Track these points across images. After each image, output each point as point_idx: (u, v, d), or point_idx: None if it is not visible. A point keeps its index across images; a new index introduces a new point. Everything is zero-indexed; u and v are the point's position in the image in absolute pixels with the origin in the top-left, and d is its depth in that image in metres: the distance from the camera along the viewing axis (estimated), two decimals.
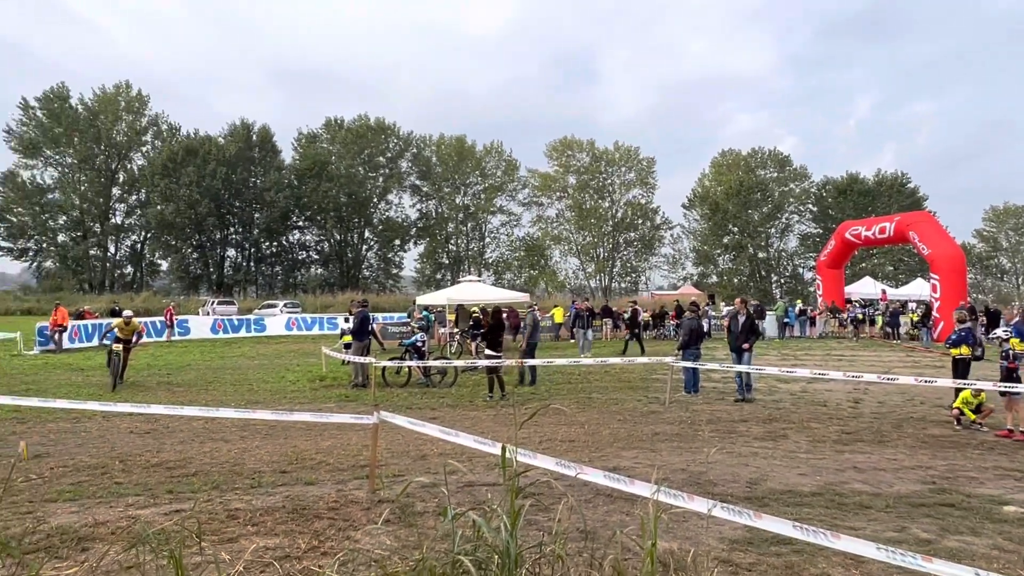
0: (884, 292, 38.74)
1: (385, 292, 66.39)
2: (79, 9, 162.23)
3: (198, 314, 40.19)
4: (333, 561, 4.65)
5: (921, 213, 38.16)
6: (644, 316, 32.08)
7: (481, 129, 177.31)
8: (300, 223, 71.25)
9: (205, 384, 16.06)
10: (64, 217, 66.65)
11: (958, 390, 11.06)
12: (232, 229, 68.93)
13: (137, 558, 4.62)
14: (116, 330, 16.02)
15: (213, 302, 46.71)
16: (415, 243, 75.02)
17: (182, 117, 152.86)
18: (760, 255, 73.60)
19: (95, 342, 26.89)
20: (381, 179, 72.17)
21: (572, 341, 24.12)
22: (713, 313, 32.40)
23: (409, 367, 15.90)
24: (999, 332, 11.39)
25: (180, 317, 32.70)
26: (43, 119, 64.71)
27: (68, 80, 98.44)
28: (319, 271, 72.83)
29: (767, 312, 32.21)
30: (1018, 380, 10.24)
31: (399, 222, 73.67)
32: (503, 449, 4.14)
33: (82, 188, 66.30)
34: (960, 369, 11.36)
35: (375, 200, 72.36)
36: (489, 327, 14.79)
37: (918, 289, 38.76)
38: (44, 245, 66.77)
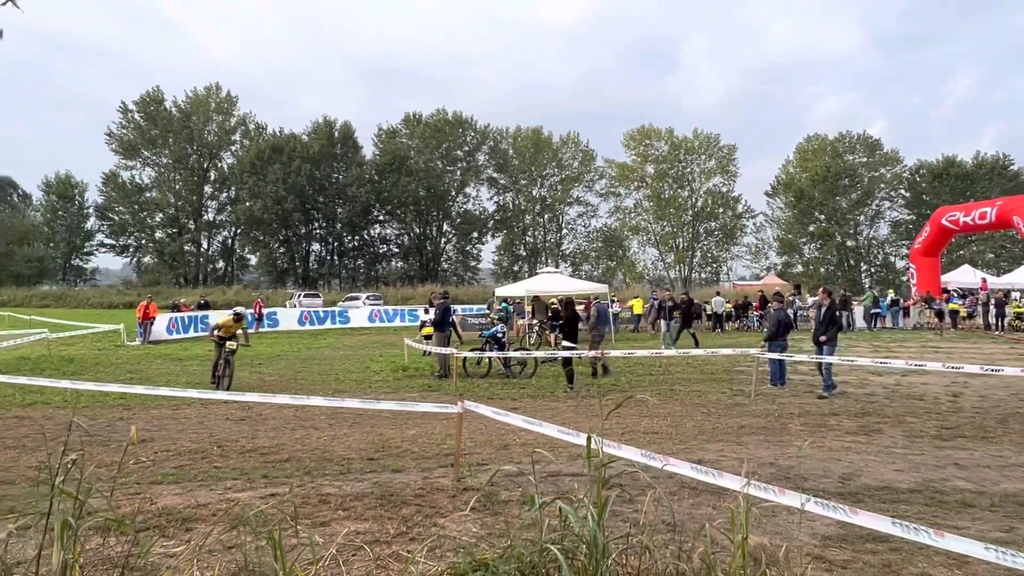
0: (984, 281, 36.66)
1: (463, 284, 67.18)
2: (173, 15, 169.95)
3: (285, 307, 41.60)
4: (421, 547, 4.74)
5: None
6: (726, 307, 31.39)
7: (557, 120, 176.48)
8: (381, 217, 72.80)
9: (294, 374, 16.63)
10: (160, 215, 70.42)
11: None
12: (316, 224, 71.06)
13: (238, 539, 4.84)
14: (221, 330, 14.35)
15: (299, 295, 48.35)
16: (492, 235, 75.61)
17: (268, 116, 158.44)
18: (848, 243, 70.79)
19: (191, 333, 28.25)
20: (459, 172, 72.95)
21: (652, 332, 23.81)
22: (799, 303, 31.40)
23: (489, 358, 16.03)
24: None
25: (269, 310, 33.96)
26: (140, 122, 68.47)
27: (163, 84, 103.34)
28: (399, 264, 74.27)
29: (852, 302, 30.89)
30: None
31: (477, 215, 74.34)
32: (588, 439, 4.13)
33: (177, 187, 69.77)
34: None
35: (453, 193, 73.22)
36: (565, 318, 14.78)
37: (1022, 278, 36.53)
38: (143, 241, 70.87)
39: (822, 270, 69.33)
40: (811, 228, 70.96)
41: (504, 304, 26.96)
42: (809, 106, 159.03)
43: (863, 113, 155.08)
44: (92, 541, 4.79)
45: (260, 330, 30.85)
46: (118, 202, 68.85)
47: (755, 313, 31.26)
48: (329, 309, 38.06)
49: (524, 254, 75.24)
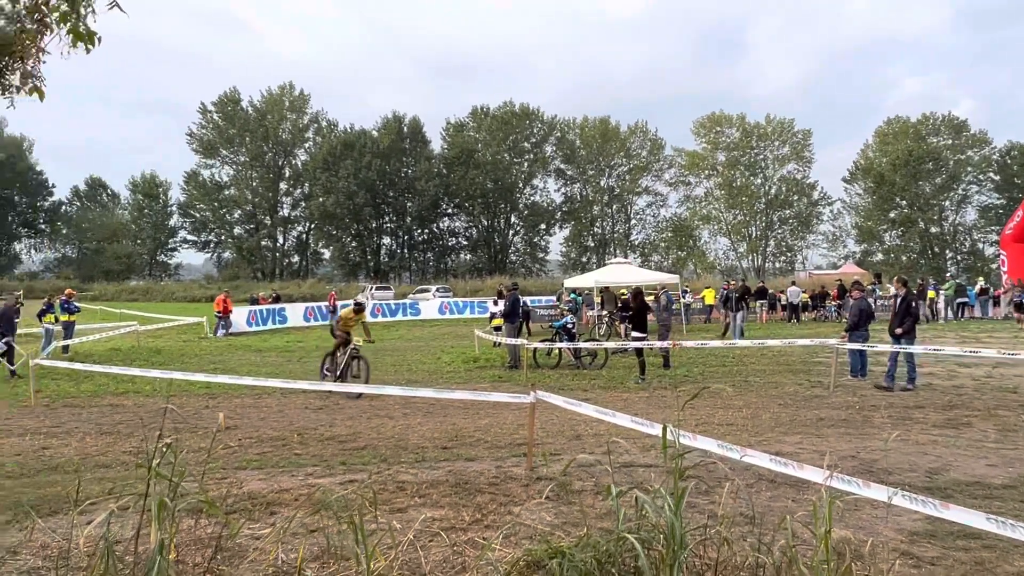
0: None
1: (532, 276, 67.28)
2: (247, 18, 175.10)
3: (358, 299, 42.50)
4: (497, 534, 4.80)
5: None
6: (802, 296, 30.55)
7: (625, 109, 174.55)
8: (449, 210, 73.51)
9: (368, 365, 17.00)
10: (239, 211, 73.05)
11: None
12: (387, 218, 72.33)
13: (320, 522, 5.01)
14: (340, 323, 12.99)
15: (371, 288, 49.36)
16: (560, 227, 75.42)
17: (339, 114, 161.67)
18: (932, 230, 67.70)
19: (269, 325, 29.19)
20: (526, 164, 72.99)
21: (728, 322, 23.33)
22: (880, 292, 30.27)
23: (560, 349, 16.03)
24: None
25: (342, 302, 34.77)
26: (219, 121, 71.11)
27: (239, 84, 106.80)
28: (468, 256, 74.89)
29: (929, 292, 29.47)
30: None
31: (544, 206, 74.27)
32: (664, 428, 4.10)
33: (253, 184, 72.20)
34: None
35: (520, 185, 73.33)
36: (635, 309, 14.65)
37: None
38: (223, 237, 73.77)
39: (904, 258, 66.56)
40: (892, 215, 68.14)
41: (573, 295, 26.89)
42: (889, 88, 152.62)
43: (947, 93, 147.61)
44: (184, 523, 5.02)
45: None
46: (199, 200, 71.83)
47: (833, 303, 30.31)
48: (400, 301, 38.75)
49: (592, 245, 74.79)
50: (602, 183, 74.17)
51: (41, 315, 18.84)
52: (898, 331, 12.48)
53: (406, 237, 73.18)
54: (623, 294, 23.53)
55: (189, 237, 75.02)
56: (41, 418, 10.22)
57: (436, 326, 31.46)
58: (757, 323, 28.34)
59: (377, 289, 48.72)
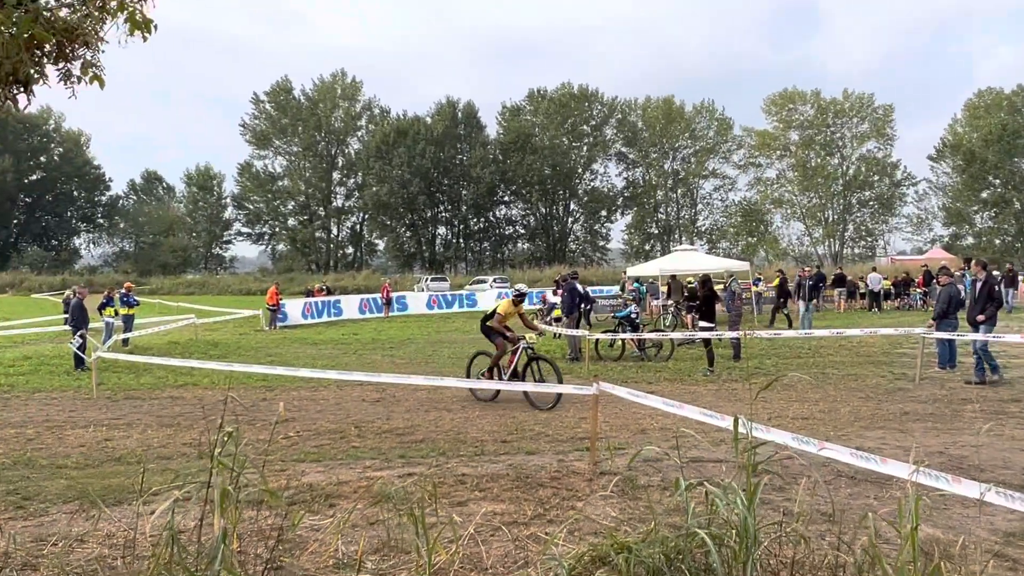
0: None
1: (592, 265, 67.03)
2: (296, 6, 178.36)
3: (413, 291, 43.05)
4: (560, 529, 4.83)
5: None
6: (884, 283, 29.66)
7: (690, 88, 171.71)
8: (506, 198, 73.78)
9: (425, 357, 17.26)
10: (292, 202, 74.93)
11: None
12: (441, 207, 72.99)
13: (379, 515, 5.12)
14: (500, 318, 11.49)
15: (427, 279, 49.96)
16: (622, 213, 74.91)
17: (391, 100, 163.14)
18: None
19: (324, 318, 29.82)
20: (585, 148, 72.62)
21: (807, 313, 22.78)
22: (970, 278, 29.08)
23: (623, 340, 15.95)
24: None
25: (398, 294, 35.28)
26: (271, 111, 72.87)
27: (291, 73, 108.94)
28: (526, 246, 75.07)
29: (1020, 278, 28.10)
30: None
31: (605, 192, 73.84)
32: (735, 420, 4.05)
33: (307, 174, 73.81)
34: None
35: (580, 170, 73.03)
36: (702, 298, 14.46)
37: None
38: (276, 229, 75.81)
39: (997, 241, 63.79)
40: (984, 194, 65.33)
41: (637, 284, 26.69)
42: (979, 58, 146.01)
43: None
44: (245, 513, 5.20)
45: (390, 314, 32.09)
46: (253, 191, 73.90)
47: (918, 290, 29.32)
48: (456, 292, 39.06)
49: (656, 232, 74.06)
50: (666, 166, 73.30)
51: (102, 308, 19.79)
52: (979, 318, 11.98)
53: (461, 226, 73.73)
54: (690, 283, 23.24)
55: (243, 229, 77.39)
56: (103, 410, 10.69)
57: None
58: (835, 312, 27.70)
59: (432, 280, 49.26)
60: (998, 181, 64.45)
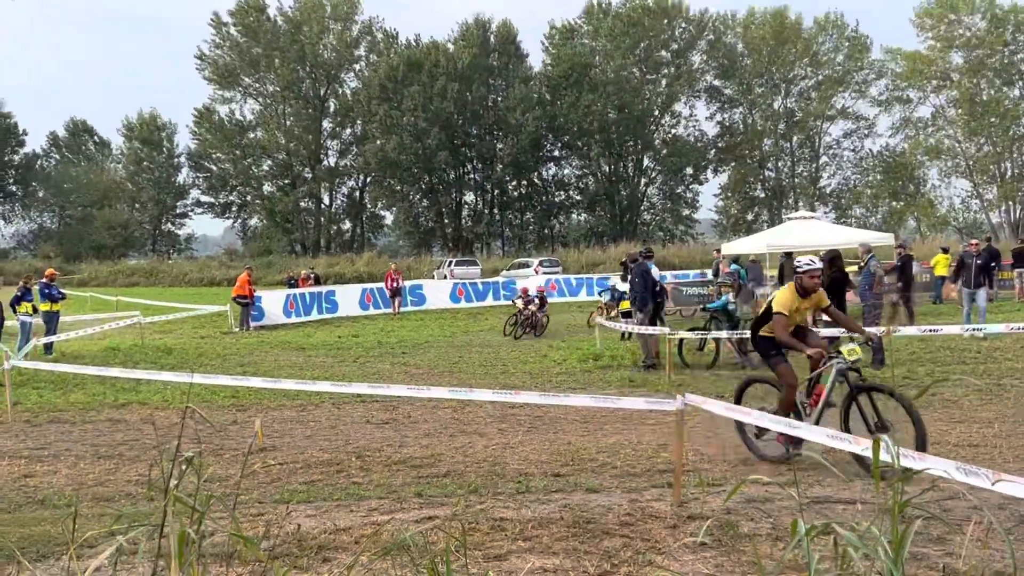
0: None
1: (674, 242, 66.68)
2: None
3: (432, 278, 43.27)
4: None
5: None
6: None
7: None
8: (555, 153, 73.73)
9: (449, 365, 17.36)
10: (269, 161, 75.68)
11: None
12: (469, 166, 73.29)
13: (390, 571, 5.16)
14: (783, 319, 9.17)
15: (451, 263, 50.15)
16: (715, 171, 74.54)
17: (400, 22, 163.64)
18: None
19: (314, 315, 30.14)
20: (664, 83, 72.24)
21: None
22: None
23: (717, 341, 15.84)
24: None
25: (412, 282, 35.44)
26: (238, 38, 73.54)
27: None
28: (583, 217, 75.02)
29: None
30: None
31: (691, 143, 73.53)
32: (875, 445, 3.98)
33: (287, 123, 74.62)
34: None
35: (657, 113, 72.77)
36: (828, 283, 14.26)
37: None
38: (248, 198, 76.59)
39: None
40: None
41: (735, 266, 26.46)
42: None
43: None
44: (212, 568, 5.29)
45: (400, 310, 32.29)
46: (215, 146, 74.75)
47: None
48: (490, 280, 39.16)
49: (762, 195, 73.47)
50: (776, 106, 72.63)
51: (15, 304, 19.91)
52: None
53: (496, 192, 73.87)
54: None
55: (203, 198, 78.71)
56: (21, 437, 10.91)
57: None
58: (1014, 300, 27.20)
59: (458, 264, 49.54)
60: None
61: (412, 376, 15.98)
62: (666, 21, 71.28)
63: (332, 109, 75.55)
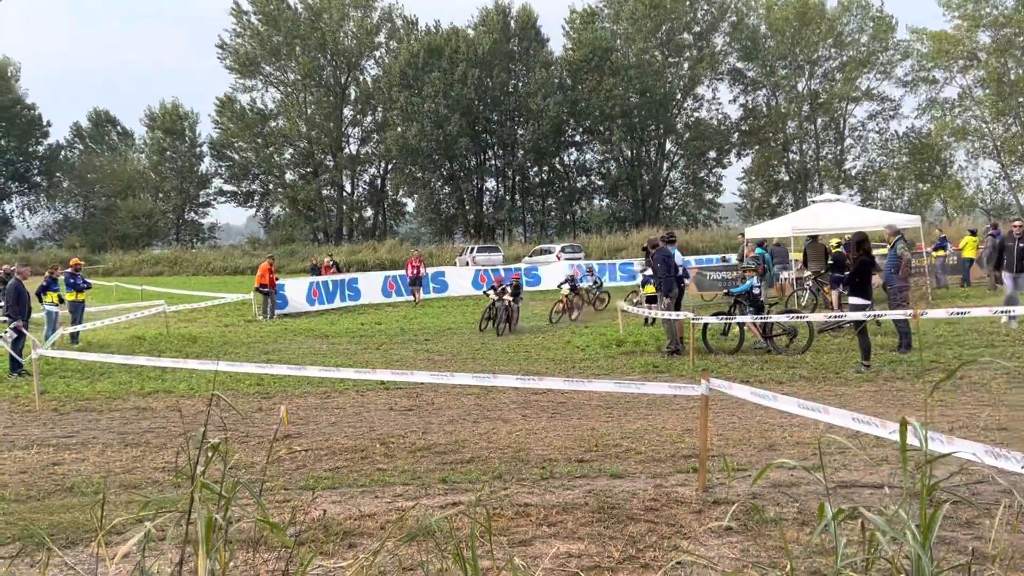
0: None
1: (698, 227, 66.46)
2: None
3: (455, 265, 43.31)
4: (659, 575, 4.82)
5: None
6: None
7: None
8: (577, 138, 73.57)
9: (471, 352, 17.44)
10: (290, 150, 75.88)
11: None
12: (490, 152, 73.24)
13: (415, 557, 5.18)
14: None
15: (472, 249, 50.18)
16: (738, 154, 74.09)
17: (420, 8, 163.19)
18: None
19: (336, 303, 30.26)
20: (687, 65, 71.82)
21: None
22: None
23: (741, 325, 15.79)
24: None
25: (434, 269, 35.49)
26: (259, 26, 73.61)
27: None
28: (605, 203, 74.79)
29: None
30: None
31: (714, 126, 73.15)
32: (902, 426, 3.96)
33: (309, 111, 74.82)
34: None
35: (679, 97, 72.45)
36: (855, 265, 14.16)
37: None
38: (270, 187, 76.96)
39: None
40: None
41: (760, 250, 26.33)
42: None
43: None
44: (239, 555, 5.33)
45: (422, 297, 32.34)
46: (237, 135, 75.10)
47: None
48: (512, 266, 39.12)
49: (787, 179, 73.02)
50: (800, 87, 72.10)
51: (42, 294, 20.02)
52: None
53: (517, 178, 73.80)
54: (836, 247, 22.80)
55: (226, 187, 79.00)
56: (49, 426, 11.04)
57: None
58: None
59: (480, 251, 49.55)
60: None
61: (435, 363, 16.08)
62: (688, 3, 70.79)
63: (353, 97, 75.66)
